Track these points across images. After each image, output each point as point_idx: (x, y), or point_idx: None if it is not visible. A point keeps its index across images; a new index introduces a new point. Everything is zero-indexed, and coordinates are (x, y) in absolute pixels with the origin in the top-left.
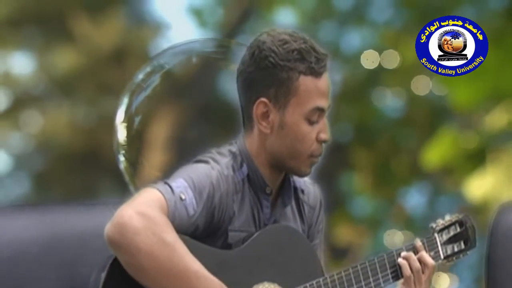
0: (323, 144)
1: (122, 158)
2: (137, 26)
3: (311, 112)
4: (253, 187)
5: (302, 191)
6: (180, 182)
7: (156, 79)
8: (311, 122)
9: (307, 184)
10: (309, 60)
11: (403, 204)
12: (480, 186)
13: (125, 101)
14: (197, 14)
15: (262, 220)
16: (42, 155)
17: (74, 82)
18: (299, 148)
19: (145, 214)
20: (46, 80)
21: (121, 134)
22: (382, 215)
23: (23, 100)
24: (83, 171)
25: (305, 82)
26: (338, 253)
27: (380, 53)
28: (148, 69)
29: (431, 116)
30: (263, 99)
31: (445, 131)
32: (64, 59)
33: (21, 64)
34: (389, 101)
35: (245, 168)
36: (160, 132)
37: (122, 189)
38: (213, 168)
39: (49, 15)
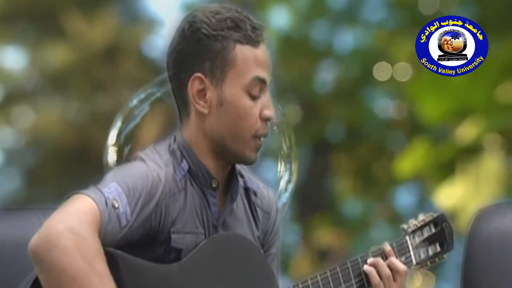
0: (268, 123)
1: None
2: (130, 23)
3: (251, 83)
4: (197, 183)
5: (255, 193)
6: (114, 187)
7: (145, 107)
8: (252, 96)
9: (260, 187)
10: (244, 28)
11: (392, 204)
12: (449, 195)
13: (117, 124)
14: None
15: (210, 220)
16: (33, 151)
17: (66, 78)
18: (242, 126)
19: (78, 233)
20: (38, 75)
21: (111, 157)
22: (369, 216)
23: (15, 96)
24: (75, 167)
25: (242, 51)
26: (322, 256)
27: (392, 66)
28: (142, 95)
29: (411, 124)
30: (198, 74)
31: (419, 142)
32: (56, 55)
33: (13, 59)
34: (380, 102)
35: (184, 164)
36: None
37: None
38: (149, 168)
39: (42, 11)
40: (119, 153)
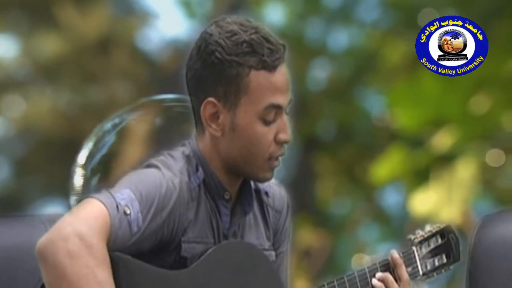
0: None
1: (73, 202)
2: (123, 14)
3: (265, 111)
4: (210, 193)
5: (266, 194)
6: (126, 194)
7: (112, 138)
8: (266, 122)
9: (271, 185)
10: (260, 53)
11: (380, 204)
12: (423, 201)
13: (89, 145)
14: (186, 4)
15: (221, 230)
16: (23, 140)
17: (58, 68)
18: (255, 151)
19: (86, 238)
20: (29, 65)
21: (78, 179)
22: (354, 215)
23: (5, 84)
24: (64, 158)
25: (257, 77)
26: (306, 254)
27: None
28: (116, 120)
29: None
30: (211, 98)
31: (396, 149)
32: (48, 45)
33: (4, 47)
34: (371, 102)
35: (200, 173)
36: None
37: None
38: (164, 175)
39: (35, 0)
40: (86, 179)
